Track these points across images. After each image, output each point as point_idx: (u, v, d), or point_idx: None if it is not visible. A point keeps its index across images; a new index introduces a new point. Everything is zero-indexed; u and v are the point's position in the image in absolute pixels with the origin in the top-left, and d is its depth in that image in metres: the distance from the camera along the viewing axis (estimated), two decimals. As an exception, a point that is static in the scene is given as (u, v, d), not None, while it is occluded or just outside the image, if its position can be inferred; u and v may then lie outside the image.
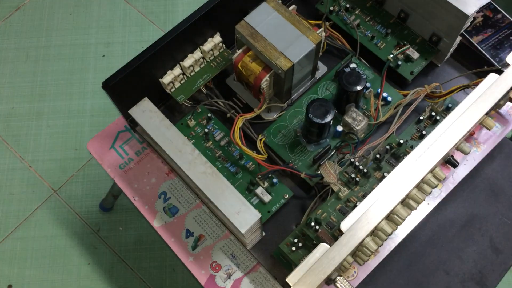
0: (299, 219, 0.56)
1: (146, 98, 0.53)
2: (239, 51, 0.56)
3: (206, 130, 0.59)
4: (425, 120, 0.58)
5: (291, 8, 0.59)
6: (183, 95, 0.59)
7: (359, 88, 0.54)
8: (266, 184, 0.56)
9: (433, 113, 0.59)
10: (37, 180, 0.93)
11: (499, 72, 0.51)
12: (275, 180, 0.56)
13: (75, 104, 0.99)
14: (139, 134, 0.59)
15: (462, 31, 0.57)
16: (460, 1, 0.54)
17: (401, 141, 0.52)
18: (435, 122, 0.59)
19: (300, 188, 0.58)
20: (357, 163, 0.50)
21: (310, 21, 0.62)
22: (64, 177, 0.94)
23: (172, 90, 0.59)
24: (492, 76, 0.50)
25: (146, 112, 0.52)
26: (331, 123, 0.54)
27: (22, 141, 0.96)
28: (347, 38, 0.64)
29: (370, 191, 0.47)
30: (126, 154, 0.63)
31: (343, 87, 0.54)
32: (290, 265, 0.51)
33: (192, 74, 0.60)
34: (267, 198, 0.55)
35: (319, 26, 0.63)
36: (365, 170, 0.49)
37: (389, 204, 0.44)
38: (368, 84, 0.60)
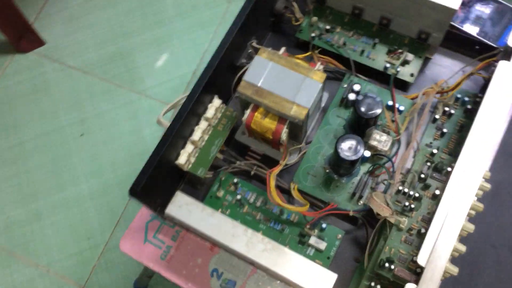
0: (356, 253, 0.56)
1: (178, 192, 0.51)
2: (247, 111, 0.55)
3: (238, 196, 0.57)
4: (440, 117, 0.59)
5: (281, 51, 0.58)
6: (203, 168, 0.58)
7: (378, 111, 0.53)
8: (316, 231, 0.55)
9: (446, 108, 0.59)
10: (61, 283, 0.89)
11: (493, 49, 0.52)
12: (324, 225, 0.55)
13: (70, 193, 0.95)
14: (169, 219, 0.57)
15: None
16: (442, -3, 0.54)
17: (434, 151, 0.52)
18: (450, 116, 0.59)
19: (346, 222, 0.57)
20: (406, 190, 0.50)
21: (299, 56, 0.61)
22: (86, 270, 0.90)
23: (189, 167, 0.57)
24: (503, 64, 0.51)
25: (183, 207, 0.50)
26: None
27: (30, 247, 0.92)
28: (338, 58, 0.63)
29: (429, 213, 0.47)
30: (163, 243, 0.60)
31: (362, 115, 0.53)
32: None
33: (203, 144, 0.58)
34: (322, 245, 0.54)
35: (310, 58, 0.62)
36: (416, 195, 0.49)
37: (458, 222, 0.45)
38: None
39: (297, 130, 0.56)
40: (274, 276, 0.55)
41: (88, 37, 1.09)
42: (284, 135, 0.54)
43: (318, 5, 0.65)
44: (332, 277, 0.45)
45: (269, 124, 0.54)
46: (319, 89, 0.53)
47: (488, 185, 0.47)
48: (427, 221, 0.49)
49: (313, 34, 0.64)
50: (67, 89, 1.04)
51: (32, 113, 1.02)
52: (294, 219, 0.56)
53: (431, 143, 0.58)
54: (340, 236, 0.55)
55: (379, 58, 0.62)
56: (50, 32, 1.09)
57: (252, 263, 0.54)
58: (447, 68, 0.64)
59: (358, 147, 0.52)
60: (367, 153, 0.56)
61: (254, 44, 0.62)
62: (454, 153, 0.57)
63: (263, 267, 0.47)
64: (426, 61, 0.64)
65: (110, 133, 0.99)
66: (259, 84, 0.53)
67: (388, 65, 0.61)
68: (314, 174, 0.58)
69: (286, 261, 0.46)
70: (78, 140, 0.99)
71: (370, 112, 0.53)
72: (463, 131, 0.58)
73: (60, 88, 1.04)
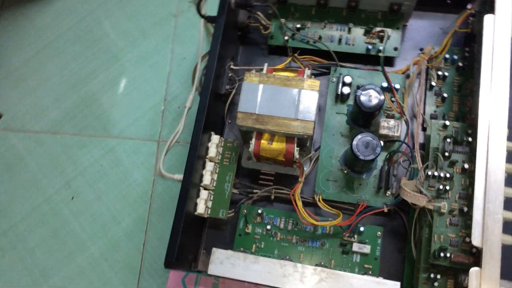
0: (398, 243, 0.55)
1: (214, 249, 0.48)
2: (252, 141, 0.52)
3: (267, 226, 0.55)
4: (436, 82, 0.58)
5: (264, 69, 0.55)
6: (223, 210, 0.55)
7: (382, 101, 0.51)
8: (355, 236, 0.54)
9: (439, 72, 0.58)
10: None
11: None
12: (362, 228, 0.54)
13: (82, 260, 0.91)
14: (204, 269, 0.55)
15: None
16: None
17: (447, 123, 0.51)
18: (445, 79, 0.58)
19: (379, 216, 0.56)
20: (435, 173, 0.49)
21: (280, 66, 0.59)
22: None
23: (210, 212, 0.55)
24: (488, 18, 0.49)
25: (224, 262, 0.47)
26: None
27: (60, 329, 0.88)
28: (318, 53, 0.61)
29: (464, 189, 0.47)
30: (205, 294, 0.58)
31: (368, 110, 0.52)
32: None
33: (215, 184, 0.56)
34: (366, 249, 0.53)
35: (290, 65, 0.60)
36: (447, 175, 0.48)
37: (499, 190, 0.44)
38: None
39: (305, 142, 0.54)
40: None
41: (44, 96, 1.03)
42: (296, 153, 0.52)
43: (280, 5, 0.62)
44: (396, 284, 0.44)
45: (278, 147, 0.52)
46: (317, 97, 0.51)
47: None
48: (465, 197, 0.48)
49: (286, 37, 0.61)
50: (41, 156, 0.98)
51: (14, 192, 0.97)
52: (330, 231, 0.55)
53: (435, 111, 0.57)
54: (379, 233, 0.54)
55: (358, 42, 0.60)
56: (2, 103, 1.02)
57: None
58: (425, 30, 0.63)
59: (375, 143, 0.50)
60: (366, 134, 0.54)
61: (232, 66, 0.59)
62: (461, 115, 0.56)
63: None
64: (403, 29, 0.63)
65: (100, 187, 0.95)
66: (256, 112, 0.51)
67: (369, 46, 0.60)
68: (334, 179, 0.56)
69: (346, 285, 0.44)
70: (70, 204, 0.94)
71: (374, 104, 0.52)
72: (462, 90, 0.58)
73: (34, 157, 0.98)
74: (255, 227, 0.56)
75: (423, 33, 0.63)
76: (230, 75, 0.58)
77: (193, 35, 0.95)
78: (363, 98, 0.52)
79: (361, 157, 0.50)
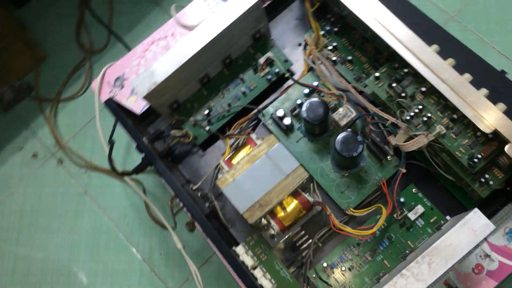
0: (434, 185, 0.57)
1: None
2: (272, 223, 0.52)
3: (342, 268, 0.55)
4: (335, 56, 0.62)
5: (223, 161, 0.55)
6: (299, 293, 0.54)
7: (326, 110, 0.54)
8: (404, 209, 0.55)
9: (329, 47, 0.62)
10: None
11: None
12: (401, 199, 0.56)
13: None
14: None
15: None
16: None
17: (377, 74, 0.55)
18: (337, 48, 0.63)
19: (402, 178, 0.56)
20: (411, 114, 0.52)
21: (227, 151, 0.59)
22: None
23: None
24: None
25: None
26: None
27: None
28: (239, 116, 0.62)
29: (440, 103, 0.51)
30: None
31: (322, 119, 0.54)
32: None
33: (275, 280, 0.54)
34: (419, 209, 0.55)
35: (234, 143, 0.60)
36: (419, 107, 0.52)
37: (459, 79, 0.48)
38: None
39: (307, 183, 0.54)
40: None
41: None
42: (309, 198, 0.53)
43: (178, 109, 0.63)
44: (475, 212, 0.46)
45: (293, 207, 0.52)
46: (285, 148, 0.52)
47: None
48: (446, 108, 0.52)
49: (207, 128, 0.62)
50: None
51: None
52: (383, 225, 0.56)
53: (355, 74, 0.61)
54: (414, 190, 0.56)
55: (257, 81, 0.63)
56: None
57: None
58: (289, 30, 0.67)
59: (354, 137, 0.53)
60: (344, 134, 0.56)
61: (194, 187, 0.58)
62: (374, 61, 0.60)
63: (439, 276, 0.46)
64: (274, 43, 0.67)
65: None
66: (255, 200, 0.51)
67: (268, 76, 0.62)
68: (346, 187, 0.57)
69: (451, 248, 0.46)
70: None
71: (323, 111, 0.54)
72: (355, 45, 0.62)
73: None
74: (333, 278, 0.55)
75: (290, 32, 0.67)
76: (200, 195, 0.57)
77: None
78: (311, 115, 0.54)
79: (354, 154, 0.52)
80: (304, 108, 0.54)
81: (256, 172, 0.51)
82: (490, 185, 0.51)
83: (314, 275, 0.55)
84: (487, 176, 0.51)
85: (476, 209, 0.46)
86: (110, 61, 1.04)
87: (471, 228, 0.46)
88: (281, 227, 0.52)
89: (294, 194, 0.52)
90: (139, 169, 0.60)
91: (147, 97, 0.56)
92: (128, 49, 1.01)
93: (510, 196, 0.56)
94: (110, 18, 1.09)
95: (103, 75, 0.71)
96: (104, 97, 0.70)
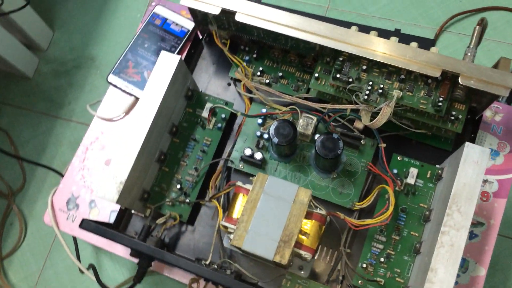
0: (415, 142, 0.60)
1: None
2: (303, 252, 0.50)
3: (381, 259, 0.55)
4: (265, 77, 0.63)
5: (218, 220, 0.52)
6: (356, 304, 0.53)
7: (293, 130, 0.55)
8: (402, 178, 0.57)
9: (261, 68, 0.63)
10: None
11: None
12: (395, 170, 0.57)
13: None
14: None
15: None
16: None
17: (316, 75, 0.57)
18: (269, 67, 0.64)
19: (386, 151, 0.56)
20: (365, 94, 0.54)
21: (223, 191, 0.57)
22: None
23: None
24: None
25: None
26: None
27: None
28: (209, 178, 0.61)
29: (384, 72, 0.54)
30: None
31: (292, 140, 0.54)
32: None
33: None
34: (414, 172, 0.57)
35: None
36: (369, 83, 0.54)
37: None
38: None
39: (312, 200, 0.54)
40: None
41: None
42: (322, 211, 0.52)
43: (145, 199, 0.59)
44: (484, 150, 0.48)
45: (313, 228, 0.51)
46: (277, 178, 0.51)
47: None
48: (389, 73, 0.54)
49: (186, 201, 0.59)
50: None
51: None
52: (392, 203, 0.56)
53: (295, 81, 0.63)
54: (399, 157, 0.58)
55: (210, 134, 0.62)
56: None
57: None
58: (210, 73, 0.68)
59: (329, 137, 0.54)
60: (320, 138, 0.57)
61: (207, 262, 0.55)
62: (301, 65, 0.63)
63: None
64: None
65: None
66: (278, 241, 0.49)
67: (219, 125, 0.62)
68: (341, 186, 0.58)
69: (460, 194, 0.48)
70: None
71: (291, 133, 0.55)
72: (280, 61, 0.64)
73: None
74: (378, 274, 0.55)
75: (214, 78, 0.67)
76: (217, 267, 0.54)
77: None
78: (281, 138, 0.54)
79: (339, 151, 0.53)
80: (272, 134, 0.54)
81: (265, 213, 0.50)
82: (460, 119, 0.54)
83: (360, 281, 0.55)
84: (453, 113, 0.54)
85: (467, 143, 0.49)
86: (36, 193, 0.97)
87: (472, 160, 0.48)
88: (311, 252, 0.50)
89: (307, 215, 0.51)
90: (140, 276, 0.56)
91: (119, 200, 0.52)
92: (51, 169, 0.95)
93: (475, 123, 0.60)
94: (15, 150, 1.01)
95: (52, 204, 0.65)
96: (64, 225, 0.64)
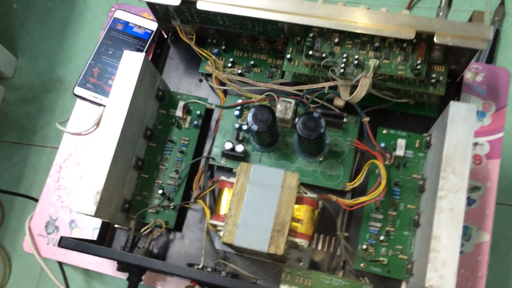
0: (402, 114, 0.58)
1: None
2: (299, 240, 0.47)
3: (381, 238, 0.52)
4: (236, 67, 0.61)
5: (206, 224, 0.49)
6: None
7: (271, 117, 0.52)
8: (391, 152, 0.55)
9: (231, 59, 0.61)
10: None
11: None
12: (382, 144, 0.55)
13: None
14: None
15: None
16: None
17: (288, 56, 0.55)
18: (241, 59, 0.62)
19: (371, 127, 0.54)
20: (341, 68, 0.52)
21: (208, 190, 0.54)
22: None
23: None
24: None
25: None
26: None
27: None
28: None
29: (358, 43, 0.52)
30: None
31: (272, 126, 0.52)
32: None
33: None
34: (402, 142, 0.55)
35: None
36: (344, 55, 0.52)
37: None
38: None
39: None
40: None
41: None
42: (313, 195, 0.49)
43: (127, 210, 0.56)
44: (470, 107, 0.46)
45: (306, 212, 0.48)
46: (262, 165, 0.49)
47: None
48: (363, 46, 0.53)
49: (171, 206, 0.56)
50: None
51: None
52: (384, 177, 0.54)
53: (268, 69, 0.61)
54: (385, 131, 0.56)
55: (187, 134, 0.59)
56: None
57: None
58: (179, 72, 0.65)
59: (309, 117, 0.51)
60: (301, 119, 0.54)
61: (199, 266, 0.52)
62: (273, 51, 0.60)
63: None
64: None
65: None
66: (270, 232, 0.46)
67: (195, 122, 0.59)
68: (329, 168, 0.55)
69: (452, 155, 0.45)
70: None
71: (269, 118, 0.52)
72: (249, 49, 0.62)
73: None
74: (379, 254, 0.52)
75: (184, 76, 0.64)
76: (211, 270, 0.51)
77: None
78: (261, 124, 0.52)
79: (322, 130, 0.51)
80: (250, 122, 0.52)
81: (253, 204, 0.47)
82: (441, 81, 0.52)
83: (362, 264, 0.52)
84: (433, 75, 0.52)
85: (452, 102, 0.47)
86: (16, 225, 0.92)
87: (460, 119, 0.46)
88: (307, 238, 0.48)
89: (297, 201, 0.48)
90: (131, 292, 0.52)
91: (98, 213, 0.49)
92: (29, 198, 0.90)
93: (457, 86, 0.58)
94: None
95: (30, 230, 0.61)
96: (46, 251, 0.61)
